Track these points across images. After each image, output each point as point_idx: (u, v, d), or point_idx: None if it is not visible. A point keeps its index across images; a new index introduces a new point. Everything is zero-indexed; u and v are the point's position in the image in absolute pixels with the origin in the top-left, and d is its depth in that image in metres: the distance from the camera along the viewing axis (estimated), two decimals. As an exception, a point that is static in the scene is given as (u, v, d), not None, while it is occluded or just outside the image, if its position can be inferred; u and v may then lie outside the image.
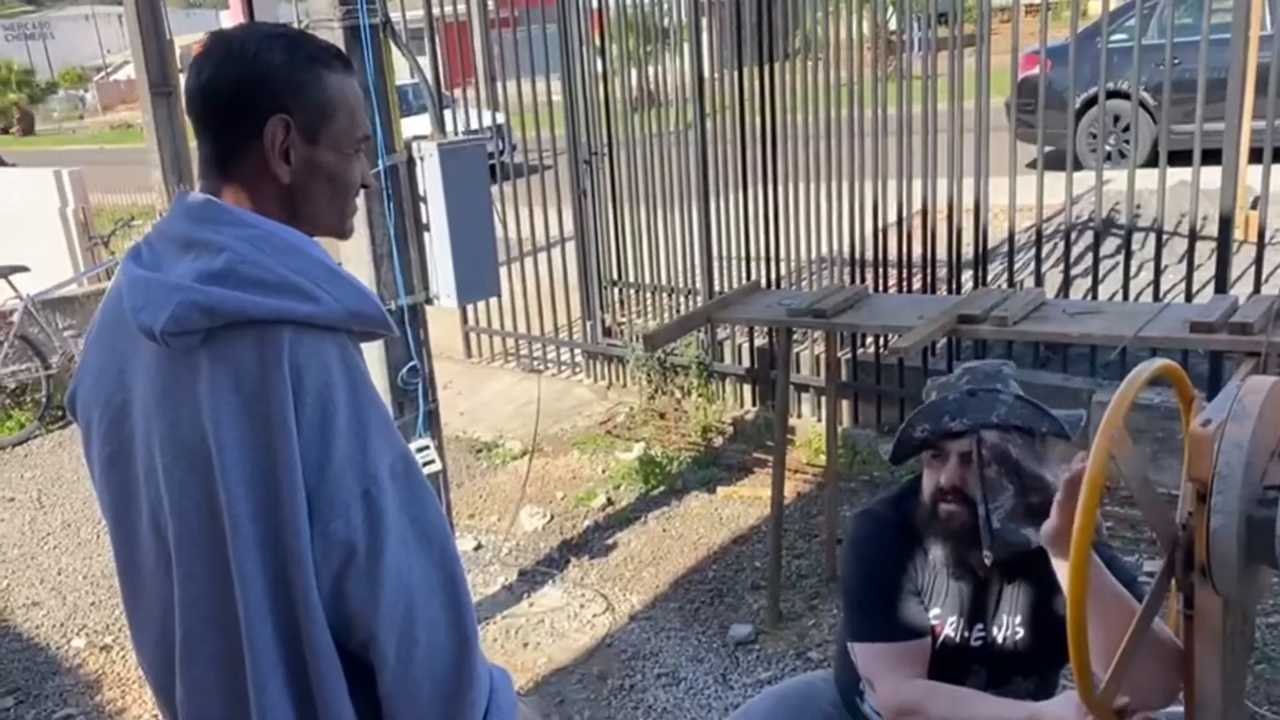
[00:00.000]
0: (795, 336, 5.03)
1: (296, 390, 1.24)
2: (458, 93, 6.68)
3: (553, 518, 4.60)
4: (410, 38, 6.14)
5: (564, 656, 3.64)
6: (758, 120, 5.05)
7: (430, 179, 3.35)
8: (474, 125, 6.35)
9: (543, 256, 6.14)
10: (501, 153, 6.24)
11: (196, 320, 1.23)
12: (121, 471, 1.38)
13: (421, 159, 3.35)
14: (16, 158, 17.85)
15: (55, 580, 4.51)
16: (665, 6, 5.47)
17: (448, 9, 5.90)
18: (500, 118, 6.17)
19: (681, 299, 5.62)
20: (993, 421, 1.85)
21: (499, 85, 6.22)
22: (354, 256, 3.37)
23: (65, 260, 7.71)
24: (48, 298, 6.49)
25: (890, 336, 3.70)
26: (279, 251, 1.28)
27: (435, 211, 3.37)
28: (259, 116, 1.30)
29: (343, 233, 1.44)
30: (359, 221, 3.29)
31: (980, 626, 1.99)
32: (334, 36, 3.15)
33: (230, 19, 7.92)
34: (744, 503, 4.60)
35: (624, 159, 5.64)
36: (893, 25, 5.58)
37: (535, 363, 6.30)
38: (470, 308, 6.42)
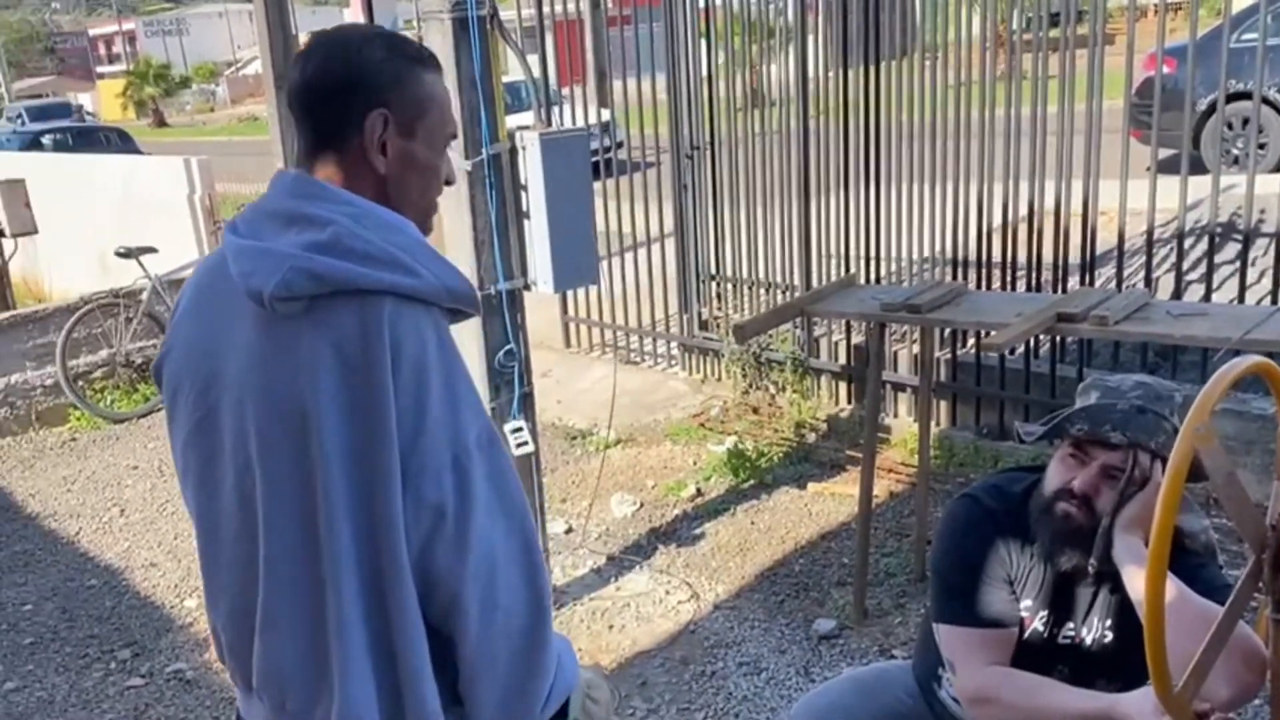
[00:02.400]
0: (894, 334, 5.03)
1: (395, 359, 1.29)
2: (567, 90, 6.78)
3: (642, 505, 4.65)
4: (524, 35, 6.30)
5: (648, 640, 3.69)
6: (862, 119, 5.01)
7: (531, 168, 3.43)
8: (581, 122, 6.43)
9: (645, 251, 6.21)
10: (608, 150, 6.32)
11: (305, 286, 1.28)
12: (209, 437, 1.42)
13: (523, 148, 3.44)
14: (150, 148, 18.76)
15: (172, 544, 4.77)
16: (775, 5, 5.45)
17: (558, 7, 6.00)
18: (607, 115, 6.26)
19: (779, 295, 5.61)
20: (1151, 447, 1.78)
21: (608, 83, 6.31)
22: (456, 242, 3.48)
23: (191, 243, 8.09)
24: (174, 278, 6.84)
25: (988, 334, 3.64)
26: (382, 228, 1.35)
27: (535, 200, 3.46)
28: (360, 110, 1.37)
29: (426, 227, 1.49)
30: (462, 207, 3.41)
31: (1070, 625, 1.96)
32: (443, 28, 3.27)
33: (351, 16, 8.21)
34: (834, 499, 4.58)
35: (726, 155, 5.66)
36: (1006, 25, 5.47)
37: (632, 354, 6.38)
38: (570, 299, 6.53)
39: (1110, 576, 1.86)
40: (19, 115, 26.53)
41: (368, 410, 1.28)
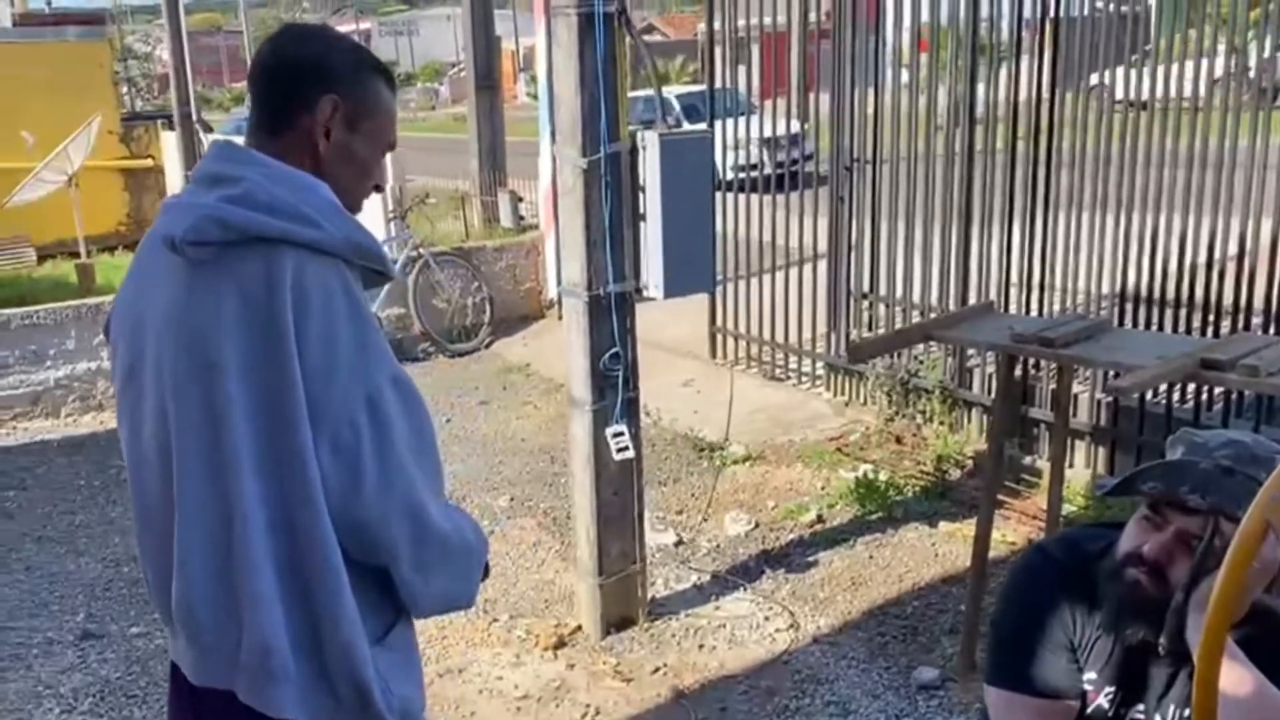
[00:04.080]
0: (1050, 368, 4.65)
1: (301, 305, 1.36)
2: (768, 102, 6.64)
3: (757, 525, 4.49)
4: (737, 47, 6.27)
5: (736, 665, 3.54)
6: (1032, 144, 4.67)
7: (650, 169, 3.36)
8: (774, 133, 6.30)
9: (802, 266, 6.02)
10: (794, 162, 6.18)
11: (211, 231, 1.36)
12: (134, 385, 1.49)
13: (643, 149, 3.37)
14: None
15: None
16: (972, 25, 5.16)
17: (766, 19, 5.93)
18: (799, 127, 6.13)
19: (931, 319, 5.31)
20: (1237, 515, 1.53)
21: (810, 96, 6.19)
22: (568, 240, 3.44)
23: (377, 228, 8.49)
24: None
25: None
26: (291, 186, 1.43)
27: (652, 202, 3.38)
28: (316, 90, 1.47)
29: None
30: (577, 205, 3.37)
31: (1140, 708, 1.71)
32: (569, 23, 3.24)
33: (537, 20, 8.43)
34: (967, 542, 4.25)
35: (887, 172, 5.41)
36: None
37: (778, 370, 6.20)
38: (720, 310, 6.42)
39: (1190, 659, 1.61)
40: (258, 105, 28.63)
41: (270, 355, 1.35)
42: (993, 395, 4.96)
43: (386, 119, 1.56)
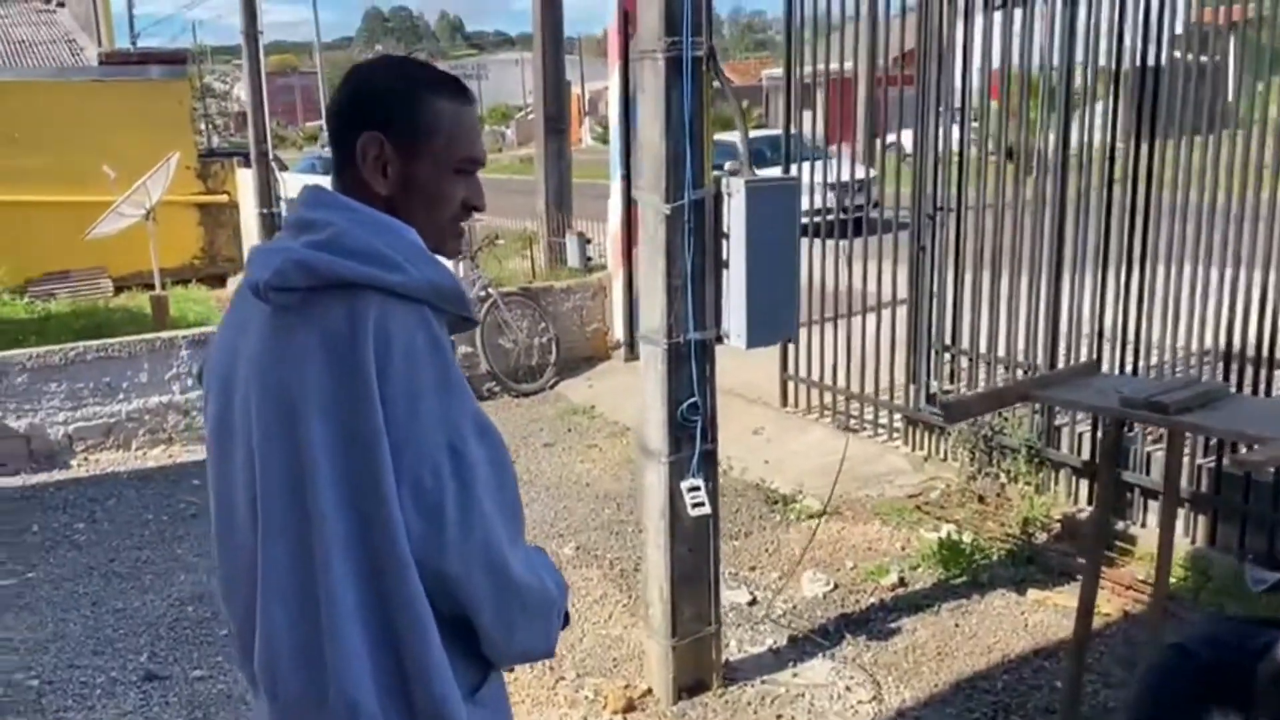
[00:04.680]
0: (1149, 433, 4.41)
1: (384, 350, 1.32)
2: (834, 147, 6.57)
3: (837, 587, 4.30)
4: (802, 93, 6.19)
5: (815, 740, 3.35)
6: (1129, 193, 4.48)
7: (734, 215, 3.24)
8: (842, 178, 6.19)
9: (878, 314, 5.85)
10: (859, 207, 6.06)
11: (295, 277, 1.33)
12: (226, 433, 1.46)
13: (728, 195, 3.26)
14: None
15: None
16: (1049, 72, 5.00)
17: (834, 65, 5.84)
18: (868, 173, 6.03)
19: (1018, 374, 5.10)
20: None
21: (877, 141, 6.09)
22: (648, 285, 3.33)
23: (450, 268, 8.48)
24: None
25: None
26: (376, 229, 1.40)
27: (736, 249, 3.26)
28: (355, 133, 1.44)
29: (444, 250, 1.52)
30: (658, 251, 3.26)
31: None
32: (656, 67, 3.15)
33: (610, 65, 8.42)
34: (1058, 612, 4.04)
35: (971, 219, 5.24)
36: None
37: (852, 421, 6.01)
38: (792, 356, 6.26)
39: None
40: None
41: (353, 402, 1.31)
42: (1083, 456, 4.74)
43: (453, 135, 1.47)
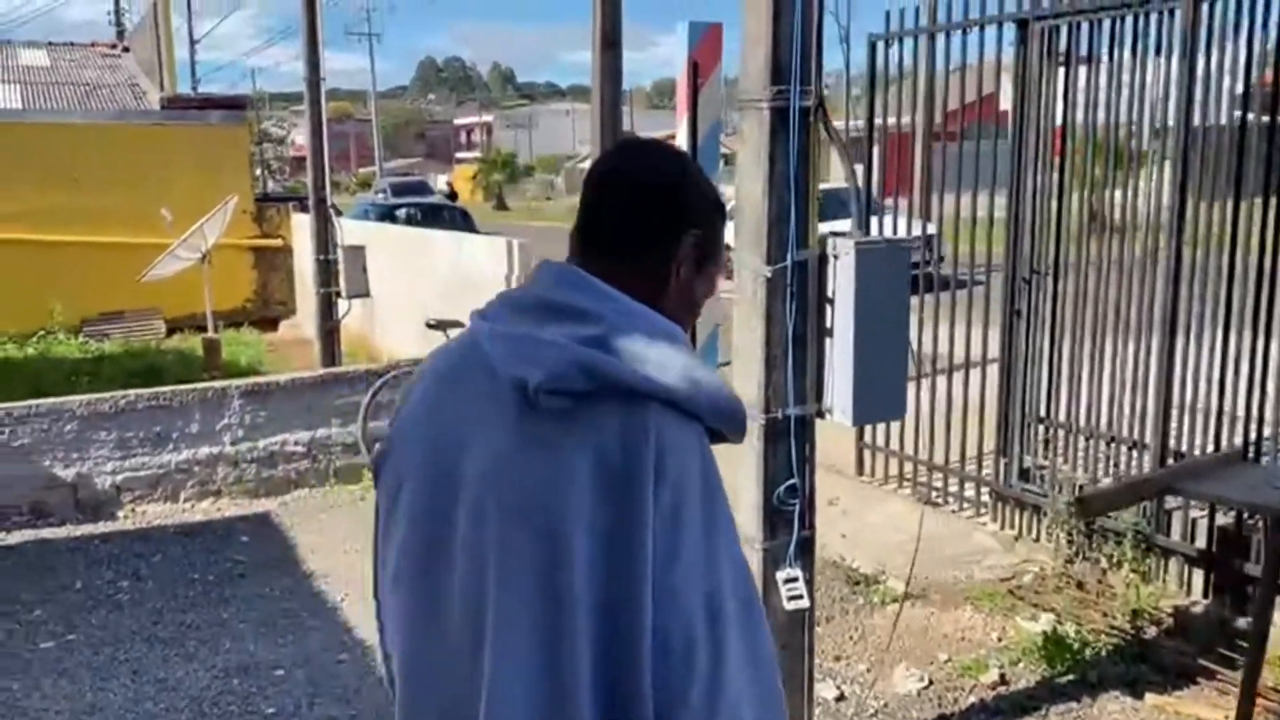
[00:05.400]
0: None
1: (659, 474, 1.17)
2: (888, 201, 6.35)
3: (931, 683, 3.93)
4: (850, 144, 5.96)
5: None
6: (1255, 256, 4.14)
7: (842, 280, 2.96)
8: (902, 233, 5.95)
9: (958, 377, 5.53)
10: (927, 263, 5.78)
11: (574, 380, 1.18)
12: (434, 537, 1.27)
13: (835, 257, 2.98)
14: (487, 228, 20.11)
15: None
16: (1142, 127, 4.70)
17: (890, 120, 5.61)
18: (931, 228, 5.75)
19: (1123, 451, 4.74)
20: None
21: (934, 196, 5.80)
22: (746, 353, 3.05)
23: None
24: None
25: None
26: (651, 330, 1.26)
27: (842, 316, 2.97)
28: (681, 224, 1.34)
29: None
30: (756, 316, 2.98)
31: None
32: (760, 118, 2.90)
33: (679, 115, 8.27)
34: (1179, 720, 3.65)
35: (1071, 282, 4.91)
36: None
37: (934, 494, 5.66)
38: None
39: None
40: (384, 190, 29.60)
41: (626, 532, 1.16)
42: (1198, 544, 4.35)
43: (721, 259, 1.42)
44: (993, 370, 5.38)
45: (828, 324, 3.03)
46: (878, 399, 3.03)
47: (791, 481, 3.03)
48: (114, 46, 19.40)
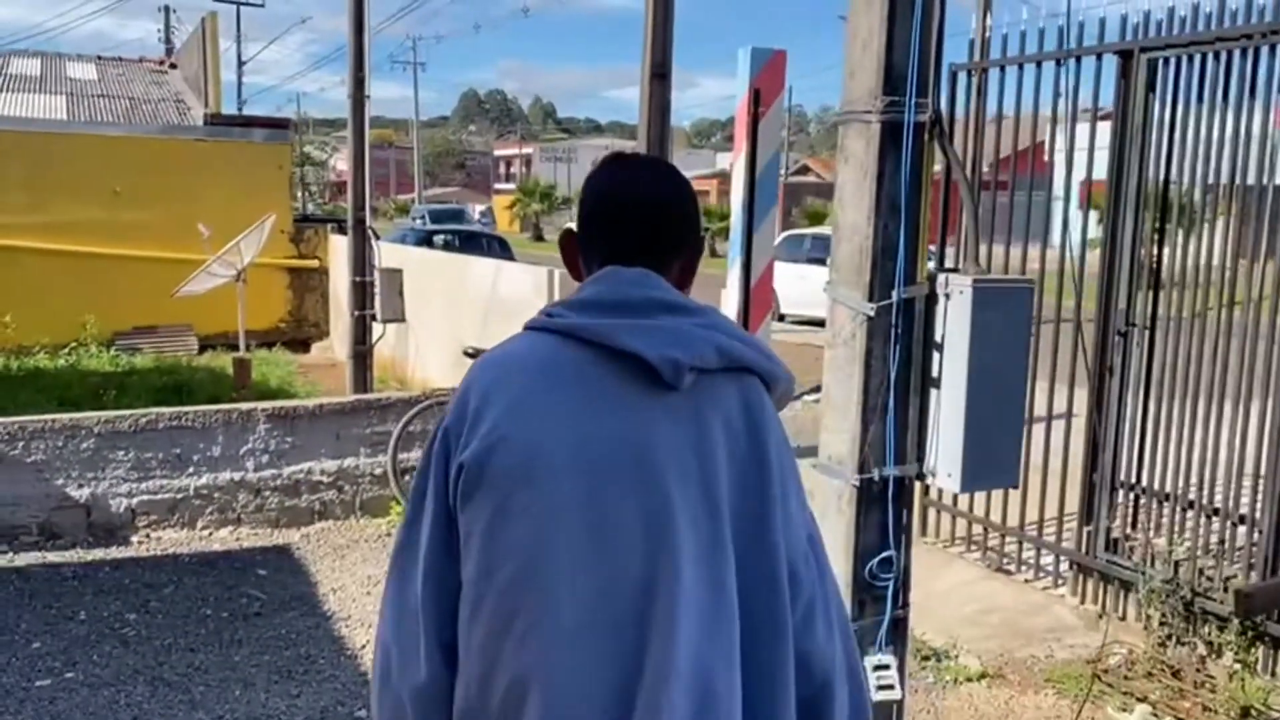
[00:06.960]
0: None
1: (767, 432, 1.42)
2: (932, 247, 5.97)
3: (1016, 781, 3.50)
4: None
5: None
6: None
7: (954, 323, 2.58)
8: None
9: (1034, 435, 5.10)
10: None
11: (710, 359, 1.37)
12: (599, 515, 1.32)
13: (947, 295, 2.60)
14: (524, 258, 19.89)
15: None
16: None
17: (936, 167, 5.23)
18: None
19: (1228, 526, 4.30)
20: None
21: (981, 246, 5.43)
22: (836, 404, 2.67)
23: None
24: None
25: None
26: (728, 320, 1.45)
27: (953, 364, 2.59)
28: (698, 230, 1.54)
29: None
30: (854, 362, 2.61)
31: None
32: (867, 132, 2.55)
33: (734, 157, 7.97)
34: (1301, 838, 3.19)
35: (1170, 339, 4.50)
36: None
37: (1005, 561, 5.21)
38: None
39: None
40: (422, 216, 29.56)
41: (760, 488, 1.39)
42: (1316, 633, 3.89)
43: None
44: (1062, 427, 4.97)
45: (934, 373, 2.64)
46: (988, 462, 2.64)
47: (886, 554, 2.64)
48: (161, 63, 19.43)
